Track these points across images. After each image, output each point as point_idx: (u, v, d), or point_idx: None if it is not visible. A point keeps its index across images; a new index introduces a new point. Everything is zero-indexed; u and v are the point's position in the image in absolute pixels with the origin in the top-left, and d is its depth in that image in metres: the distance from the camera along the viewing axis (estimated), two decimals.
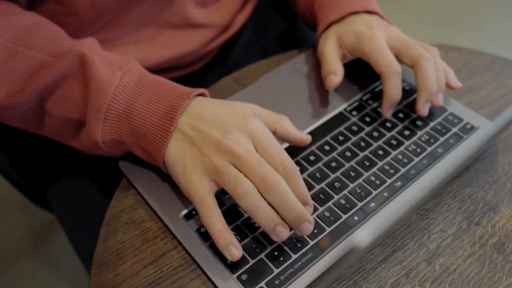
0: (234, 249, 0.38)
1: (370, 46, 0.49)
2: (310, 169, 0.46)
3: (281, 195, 0.37)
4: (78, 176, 0.57)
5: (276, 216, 0.38)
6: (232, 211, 0.43)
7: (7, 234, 1.17)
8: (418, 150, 0.47)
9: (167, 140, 0.41)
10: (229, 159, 0.39)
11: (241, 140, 0.39)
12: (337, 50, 0.52)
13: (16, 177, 0.64)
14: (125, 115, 0.42)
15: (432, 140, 0.48)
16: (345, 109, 0.52)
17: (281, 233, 0.38)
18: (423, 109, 0.48)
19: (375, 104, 0.52)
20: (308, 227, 0.38)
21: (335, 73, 0.50)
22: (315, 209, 0.43)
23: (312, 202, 0.40)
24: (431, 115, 0.50)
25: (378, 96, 0.53)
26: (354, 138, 0.49)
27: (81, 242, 0.56)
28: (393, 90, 0.48)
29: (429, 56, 0.48)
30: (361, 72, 0.55)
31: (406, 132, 0.49)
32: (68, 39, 0.45)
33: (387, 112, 0.49)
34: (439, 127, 0.49)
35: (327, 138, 0.49)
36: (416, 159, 0.46)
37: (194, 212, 0.43)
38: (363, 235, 0.22)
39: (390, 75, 0.47)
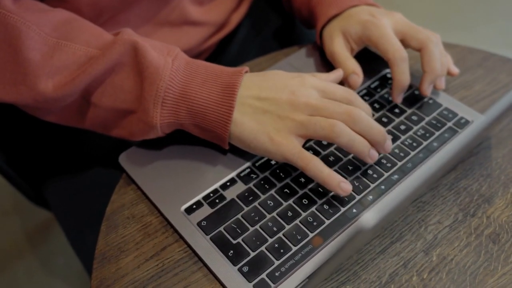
0: (344, 184, 0.42)
1: (377, 33, 0.50)
2: None
3: (366, 122, 0.42)
4: (75, 172, 0.57)
5: (367, 142, 0.43)
6: (232, 205, 0.43)
7: (1, 236, 1.16)
8: (414, 144, 0.48)
9: (230, 115, 0.43)
10: (308, 112, 0.43)
11: (309, 93, 0.44)
12: (346, 47, 0.53)
13: (13, 175, 0.64)
14: (182, 97, 0.43)
15: (427, 135, 0.49)
16: None
17: (375, 155, 0.43)
18: (428, 90, 0.50)
19: (371, 101, 0.53)
20: (390, 143, 0.44)
21: (355, 72, 0.51)
22: (314, 203, 0.43)
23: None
24: (427, 110, 0.51)
25: (373, 92, 0.54)
26: None
27: (79, 238, 0.56)
28: (402, 76, 0.49)
29: (436, 40, 0.50)
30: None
31: (402, 127, 0.49)
32: (106, 32, 0.46)
33: (398, 97, 0.51)
34: (434, 122, 0.50)
35: None
36: (413, 153, 0.47)
37: (194, 206, 0.44)
38: (368, 216, 0.22)
39: (398, 62, 0.49)
